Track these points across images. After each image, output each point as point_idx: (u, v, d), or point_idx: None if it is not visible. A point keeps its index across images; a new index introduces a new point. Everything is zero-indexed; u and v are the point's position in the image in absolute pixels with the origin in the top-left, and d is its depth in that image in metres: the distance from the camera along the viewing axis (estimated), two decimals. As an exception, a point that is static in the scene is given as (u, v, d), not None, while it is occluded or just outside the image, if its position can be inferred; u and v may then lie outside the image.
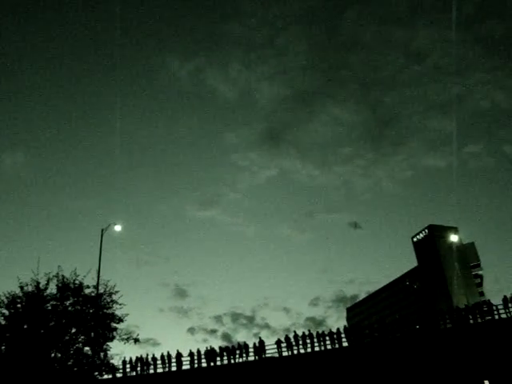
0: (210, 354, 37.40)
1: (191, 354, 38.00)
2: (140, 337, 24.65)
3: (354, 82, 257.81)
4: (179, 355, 38.18)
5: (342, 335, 35.33)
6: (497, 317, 32.27)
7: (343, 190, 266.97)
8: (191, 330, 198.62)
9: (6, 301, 22.95)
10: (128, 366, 38.80)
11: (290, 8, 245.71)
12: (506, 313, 32.02)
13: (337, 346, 34.89)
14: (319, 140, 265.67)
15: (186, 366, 37.80)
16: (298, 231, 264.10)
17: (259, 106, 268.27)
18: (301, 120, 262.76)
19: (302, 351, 35.59)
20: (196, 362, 37.67)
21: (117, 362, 26.01)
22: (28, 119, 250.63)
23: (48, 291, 23.36)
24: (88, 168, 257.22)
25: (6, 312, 22.90)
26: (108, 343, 24.06)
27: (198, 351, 37.97)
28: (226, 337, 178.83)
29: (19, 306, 22.83)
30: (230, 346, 38.19)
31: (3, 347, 22.85)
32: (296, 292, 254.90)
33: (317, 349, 35.26)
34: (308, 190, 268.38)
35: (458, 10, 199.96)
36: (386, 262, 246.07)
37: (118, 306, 24.54)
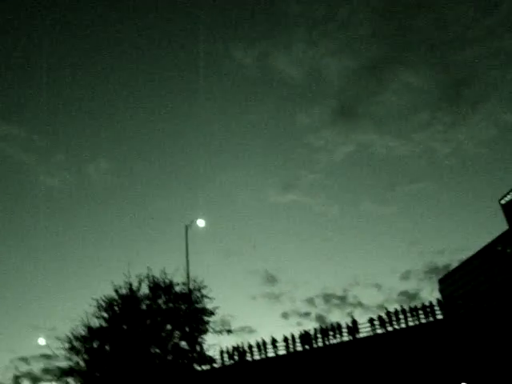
0: (304, 337, 37.79)
1: (286, 339, 38.56)
2: (235, 325, 25.52)
3: (423, 45, 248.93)
4: (274, 341, 38.87)
5: (436, 308, 34.73)
6: None
7: (424, 158, 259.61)
8: (285, 315, 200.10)
9: (104, 305, 24.31)
10: (226, 355, 39.88)
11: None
12: None
13: (431, 319, 34.39)
14: (394, 109, 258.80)
15: (281, 351, 38.41)
16: (381, 205, 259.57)
17: (328, 83, 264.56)
18: (372, 91, 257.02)
19: (396, 327, 35.30)
20: (291, 346, 38.19)
21: (213, 352, 26.79)
22: (107, 126, 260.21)
23: (141, 292, 24.54)
24: (166, 166, 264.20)
25: (106, 315, 24.26)
26: (203, 336, 24.91)
27: (292, 335, 38.46)
28: (319, 318, 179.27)
29: (116, 308, 24.11)
30: (323, 327, 38.34)
31: (107, 347, 24.19)
32: (386, 267, 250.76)
33: (411, 324, 34.89)
34: (388, 161, 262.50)
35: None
36: (474, 228, 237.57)
37: (207, 300, 25.35)
